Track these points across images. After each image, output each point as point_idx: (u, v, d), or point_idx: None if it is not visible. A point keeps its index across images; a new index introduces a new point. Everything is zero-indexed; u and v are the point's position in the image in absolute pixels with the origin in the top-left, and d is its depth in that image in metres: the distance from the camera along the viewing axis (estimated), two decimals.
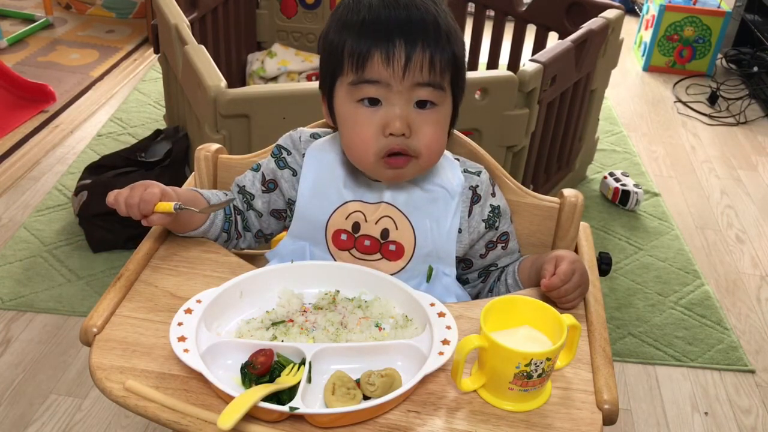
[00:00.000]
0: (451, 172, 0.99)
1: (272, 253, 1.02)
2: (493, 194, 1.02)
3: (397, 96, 0.88)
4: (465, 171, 1.00)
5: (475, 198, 0.99)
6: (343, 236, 0.97)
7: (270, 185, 1.02)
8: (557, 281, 0.89)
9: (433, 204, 0.97)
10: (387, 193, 0.96)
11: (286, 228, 1.05)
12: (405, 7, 0.88)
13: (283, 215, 1.04)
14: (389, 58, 0.86)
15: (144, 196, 0.90)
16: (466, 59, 0.95)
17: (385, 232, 0.96)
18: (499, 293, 1.03)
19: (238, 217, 1.03)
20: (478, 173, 1.01)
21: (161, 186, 0.93)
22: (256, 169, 1.04)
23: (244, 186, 1.04)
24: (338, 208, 0.97)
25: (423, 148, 0.90)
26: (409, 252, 0.97)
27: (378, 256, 0.97)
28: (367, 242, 0.96)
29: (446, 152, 1.01)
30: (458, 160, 1.02)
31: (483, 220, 1.00)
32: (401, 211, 0.96)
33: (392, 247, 0.96)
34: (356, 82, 0.88)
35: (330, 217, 0.97)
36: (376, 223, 0.96)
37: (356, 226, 0.96)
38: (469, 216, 0.99)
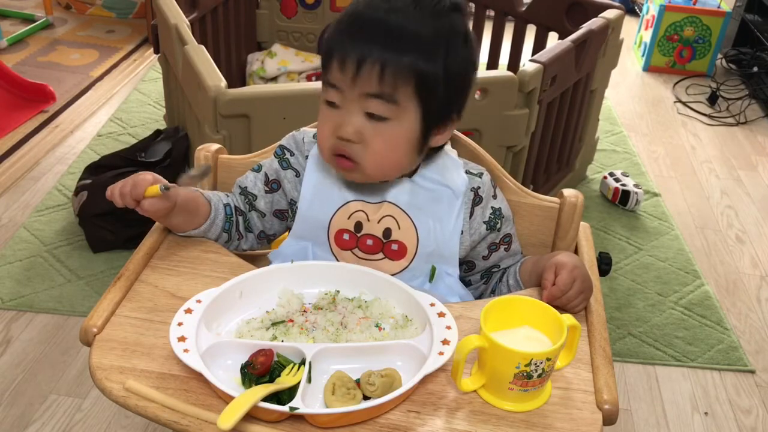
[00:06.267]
0: (456, 172, 0.98)
1: (275, 253, 1.02)
2: (494, 196, 1.01)
3: (350, 103, 0.88)
4: (467, 172, 1.00)
5: (477, 199, 0.99)
6: (346, 236, 0.97)
7: (273, 185, 1.02)
8: (557, 292, 0.89)
9: (437, 203, 0.97)
10: (389, 192, 0.96)
11: (288, 228, 1.05)
12: (386, 11, 0.86)
13: (286, 215, 1.04)
14: (343, 64, 0.86)
15: (135, 181, 0.91)
16: (468, 73, 0.93)
17: (387, 232, 0.96)
18: (501, 294, 1.03)
19: (240, 218, 1.03)
20: (480, 174, 1.01)
21: (155, 175, 0.93)
22: (257, 170, 1.03)
23: (246, 187, 1.03)
24: (340, 208, 0.97)
25: (369, 159, 0.90)
26: (411, 251, 0.96)
27: (380, 255, 0.97)
28: (369, 242, 0.96)
29: (451, 152, 1.01)
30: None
31: (484, 222, 1.00)
32: (404, 211, 0.96)
33: (395, 247, 0.96)
34: (323, 83, 0.90)
35: (332, 217, 0.97)
36: (378, 222, 0.96)
37: (358, 226, 0.96)
38: (470, 217, 0.99)
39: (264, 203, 1.03)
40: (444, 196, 0.97)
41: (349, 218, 0.96)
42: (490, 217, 1.00)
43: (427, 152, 0.96)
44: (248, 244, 1.06)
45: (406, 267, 0.97)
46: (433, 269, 0.98)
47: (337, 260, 0.98)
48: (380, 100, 0.86)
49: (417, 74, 0.86)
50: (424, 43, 0.86)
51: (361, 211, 0.96)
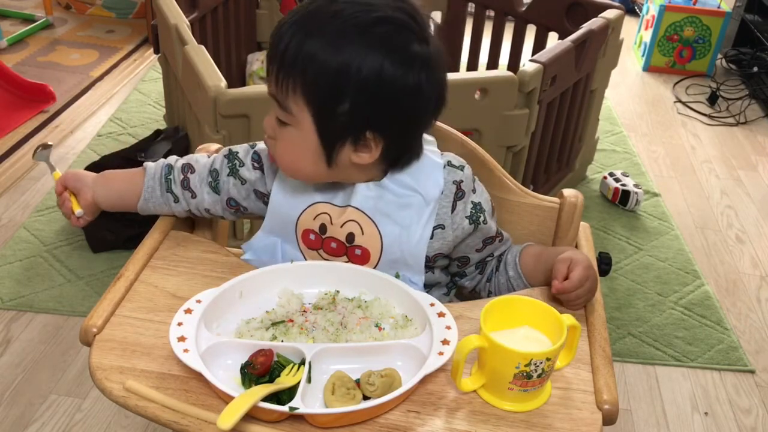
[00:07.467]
0: (432, 177, 0.95)
1: (247, 245, 1.02)
2: (474, 190, 0.99)
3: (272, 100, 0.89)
4: (448, 164, 0.97)
5: (459, 194, 0.96)
6: (312, 236, 0.96)
7: (261, 166, 1.00)
8: (570, 287, 0.88)
9: (405, 210, 0.94)
10: (356, 197, 0.93)
11: (261, 217, 1.03)
12: (304, 15, 0.85)
13: (264, 199, 1.01)
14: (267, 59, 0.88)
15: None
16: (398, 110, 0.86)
17: (350, 237, 0.94)
18: (499, 284, 1.02)
19: (190, 176, 1.01)
20: (462, 167, 0.98)
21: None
22: (253, 146, 1.01)
23: (237, 152, 1.01)
24: (308, 207, 0.95)
25: (278, 158, 0.92)
26: (375, 257, 0.95)
27: (345, 258, 0.96)
28: (333, 244, 0.95)
29: (432, 152, 0.97)
30: (443, 154, 0.99)
31: (466, 217, 0.97)
32: (368, 216, 0.94)
33: (358, 252, 0.95)
34: None
35: (300, 216, 0.96)
36: (341, 226, 0.94)
37: (323, 228, 0.95)
38: (452, 212, 0.96)
39: (248, 173, 0.99)
40: (414, 202, 0.94)
41: (314, 219, 0.95)
42: (471, 212, 0.97)
43: (389, 164, 0.93)
44: (212, 205, 1.01)
45: None
46: (397, 276, 0.96)
47: (305, 258, 0.98)
48: (278, 104, 0.88)
49: (308, 89, 0.85)
50: (322, 57, 0.83)
51: (325, 214, 0.95)
